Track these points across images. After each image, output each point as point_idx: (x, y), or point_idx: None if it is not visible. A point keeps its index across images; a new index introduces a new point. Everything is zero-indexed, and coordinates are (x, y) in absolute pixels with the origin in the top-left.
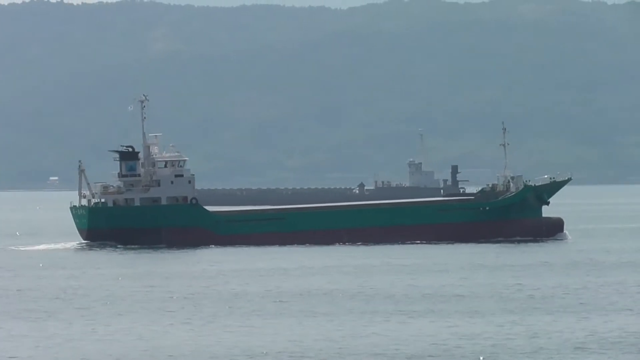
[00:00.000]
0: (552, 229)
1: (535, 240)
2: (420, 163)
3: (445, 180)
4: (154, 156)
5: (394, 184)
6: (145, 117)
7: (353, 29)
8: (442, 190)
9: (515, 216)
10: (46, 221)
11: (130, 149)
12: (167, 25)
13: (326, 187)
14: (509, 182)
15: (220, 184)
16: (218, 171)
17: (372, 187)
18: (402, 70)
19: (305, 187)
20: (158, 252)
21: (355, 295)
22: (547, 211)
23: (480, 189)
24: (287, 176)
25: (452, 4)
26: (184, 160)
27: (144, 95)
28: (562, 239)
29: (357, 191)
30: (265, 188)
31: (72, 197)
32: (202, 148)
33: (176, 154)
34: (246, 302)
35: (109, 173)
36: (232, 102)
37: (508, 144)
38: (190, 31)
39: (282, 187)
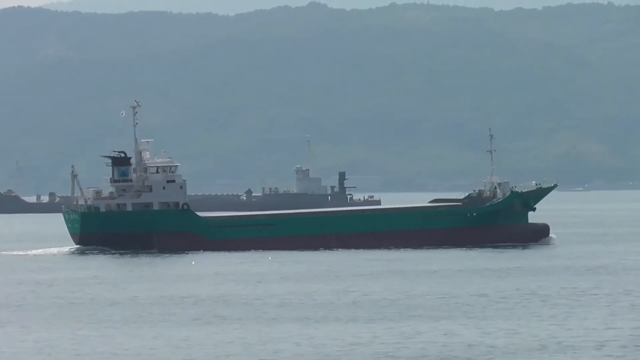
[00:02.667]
0: (538, 235)
1: (515, 246)
2: (308, 169)
3: (332, 187)
4: (146, 162)
5: (281, 191)
6: (137, 123)
7: (241, 36)
8: (329, 197)
9: (502, 222)
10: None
11: (123, 155)
12: (55, 31)
13: (213, 194)
14: (495, 188)
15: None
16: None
17: (260, 194)
18: (290, 76)
19: (194, 194)
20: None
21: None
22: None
23: (466, 194)
24: None
25: (340, 10)
26: (176, 166)
27: (135, 101)
28: (548, 244)
29: (245, 197)
30: None
31: None
32: (91, 154)
33: (168, 159)
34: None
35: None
36: (121, 108)
37: (495, 150)
38: (79, 38)
39: None
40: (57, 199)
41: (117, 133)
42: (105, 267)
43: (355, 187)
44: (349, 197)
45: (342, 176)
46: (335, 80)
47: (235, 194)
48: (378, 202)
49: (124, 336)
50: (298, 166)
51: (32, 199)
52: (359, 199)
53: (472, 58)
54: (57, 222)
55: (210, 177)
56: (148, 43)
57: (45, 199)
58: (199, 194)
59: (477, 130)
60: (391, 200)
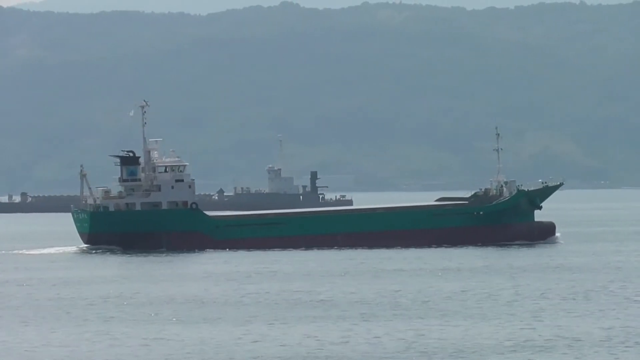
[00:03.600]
0: (545, 233)
1: (526, 245)
2: (280, 169)
3: (304, 187)
4: (155, 161)
5: (253, 190)
6: (145, 123)
7: (213, 35)
8: (301, 197)
9: (508, 220)
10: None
11: (131, 154)
12: (28, 32)
13: None
14: (502, 186)
15: None
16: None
17: (232, 194)
18: (263, 76)
19: None
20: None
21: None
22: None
23: (472, 193)
24: None
25: (312, 10)
26: (184, 166)
27: (144, 100)
28: (554, 243)
29: (217, 197)
30: None
31: None
32: (64, 155)
33: (176, 159)
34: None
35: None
36: (95, 108)
37: (502, 149)
38: (51, 38)
39: None
40: (29, 199)
41: (89, 132)
42: (93, 266)
43: (327, 187)
44: (320, 196)
45: (314, 176)
46: (308, 80)
47: (207, 193)
48: (350, 202)
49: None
50: (270, 166)
51: (4, 199)
52: (331, 199)
53: (445, 58)
54: (31, 222)
55: None
56: (120, 43)
57: (17, 199)
58: None
59: (450, 130)
60: (364, 201)
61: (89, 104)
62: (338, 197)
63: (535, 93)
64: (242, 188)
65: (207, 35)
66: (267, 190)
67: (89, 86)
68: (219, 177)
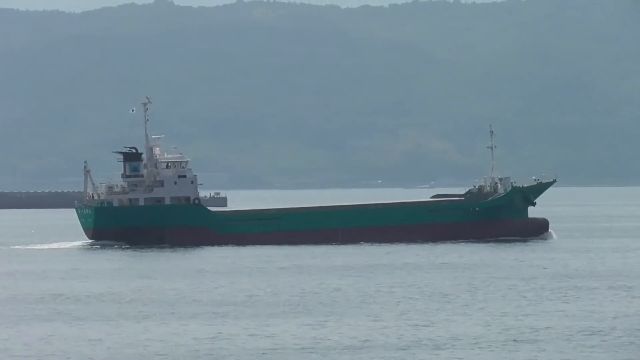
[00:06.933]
0: (538, 229)
1: (517, 240)
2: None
3: None
4: (157, 157)
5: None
6: (147, 119)
7: (88, 33)
8: None
9: (503, 217)
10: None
11: (134, 150)
12: None
13: (60, 191)
14: (496, 183)
15: None
16: None
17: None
18: (136, 74)
19: (40, 191)
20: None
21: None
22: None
23: (467, 190)
24: (21, 180)
25: (186, 8)
26: (187, 162)
27: (147, 97)
28: (547, 239)
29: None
30: None
31: None
32: None
33: (179, 155)
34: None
35: None
36: None
37: (495, 147)
38: None
39: (17, 191)
40: None
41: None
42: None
43: (201, 184)
44: None
45: None
46: (181, 77)
47: (80, 191)
48: (224, 200)
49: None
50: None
51: None
52: (205, 197)
53: (318, 56)
54: None
55: (56, 175)
56: None
57: None
58: (46, 191)
59: (323, 127)
60: (238, 198)
61: None
62: (212, 194)
63: (408, 91)
64: (116, 185)
65: (81, 32)
66: None
67: None
68: (93, 175)
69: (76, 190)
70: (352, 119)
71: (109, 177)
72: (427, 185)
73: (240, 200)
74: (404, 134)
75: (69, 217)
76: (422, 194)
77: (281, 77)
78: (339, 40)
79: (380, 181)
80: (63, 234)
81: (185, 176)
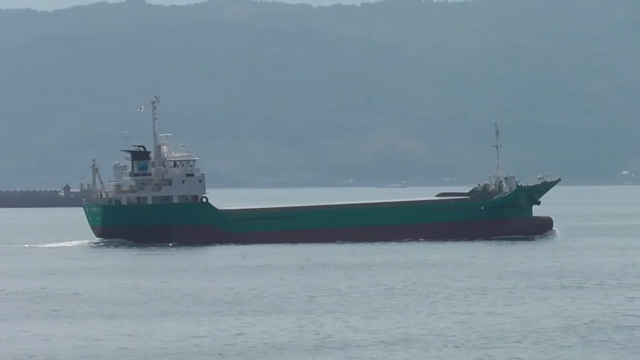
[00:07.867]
0: (542, 228)
1: (524, 239)
2: (126, 165)
3: None
4: (165, 156)
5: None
6: (156, 118)
7: (60, 32)
8: None
9: (508, 215)
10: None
11: (142, 149)
12: None
13: (31, 190)
14: (501, 182)
15: None
16: None
17: (78, 190)
18: (109, 73)
19: (12, 190)
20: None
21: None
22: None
23: (471, 188)
24: None
25: (159, 6)
26: (194, 160)
27: (155, 96)
28: (551, 237)
29: (63, 194)
30: None
31: None
32: None
33: (186, 153)
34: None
35: None
36: None
37: (500, 145)
38: None
39: None
40: None
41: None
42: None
43: None
44: None
45: None
46: (154, 76)
47: (53, 190)
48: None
49: None
50: (116, 162)
51: None
52: None
53: (290, 55)
54: None
55: (28, 174)
56: None
57: None
58: (18, 190)
59: (294, 126)
60: (212, 197)
61: None
62: None
63: (380, 90)
64: (88, 184)
65: (53, 31)
66: None
67: None
68: (64, 174)
69: (48, 190)
70: (324, 118)
71: (81, 176)
72: (399, 185)
73: (215, 199)
74: (376, 133)
75: (47, 216)
76: (395, 194)
77: (253, 76)
78: (311, 39)
79: (352, 180)
80: (60, 234)
81: (193, 175)
